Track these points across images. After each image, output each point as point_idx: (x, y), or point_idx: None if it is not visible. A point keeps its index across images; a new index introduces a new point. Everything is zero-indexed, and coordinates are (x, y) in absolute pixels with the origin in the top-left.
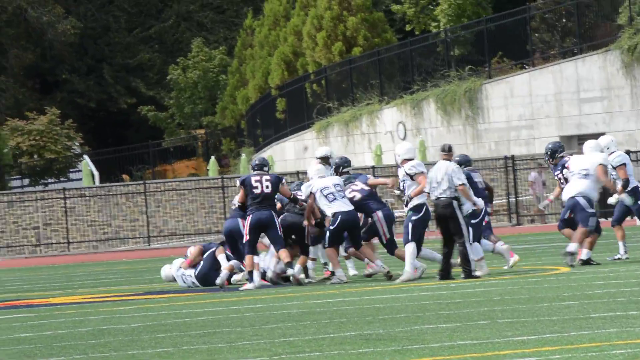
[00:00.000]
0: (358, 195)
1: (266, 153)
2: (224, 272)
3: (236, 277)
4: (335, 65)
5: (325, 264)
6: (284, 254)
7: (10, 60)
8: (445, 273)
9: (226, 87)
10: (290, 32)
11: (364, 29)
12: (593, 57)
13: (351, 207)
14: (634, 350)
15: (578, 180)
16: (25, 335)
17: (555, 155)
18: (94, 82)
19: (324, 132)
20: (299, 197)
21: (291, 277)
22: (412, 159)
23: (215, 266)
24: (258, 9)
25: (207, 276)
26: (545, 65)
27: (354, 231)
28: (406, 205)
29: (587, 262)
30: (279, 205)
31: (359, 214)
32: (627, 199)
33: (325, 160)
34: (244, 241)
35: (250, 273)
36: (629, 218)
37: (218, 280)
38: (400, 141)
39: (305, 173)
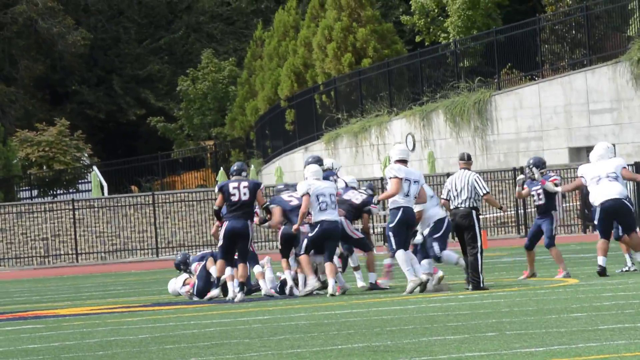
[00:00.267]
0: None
1: (275, 164)
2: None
3: (213, 293)
4: (344, 77)
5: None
6: (242, 270)
7: (20, 71)
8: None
9: (235, 99)
10: (301, 44)
11: (373, 41)
12: (603, 69)
13: (337, 218)
14: None
15: (609, 183)
16: (33, 346)
17: (538, 169)
18: (103, 93)
19: (333, 144)
20: (294, 198)
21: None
22: (405, 160)
23: (210, 278)
24: (268, 20)
25: (205, 290)
26: (555, 77)
27: (332, 243)
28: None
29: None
30: (278, 217)
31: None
32: None
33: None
34: (218, 245)
35: (219, 279)
36: None
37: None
38: (410, 153)
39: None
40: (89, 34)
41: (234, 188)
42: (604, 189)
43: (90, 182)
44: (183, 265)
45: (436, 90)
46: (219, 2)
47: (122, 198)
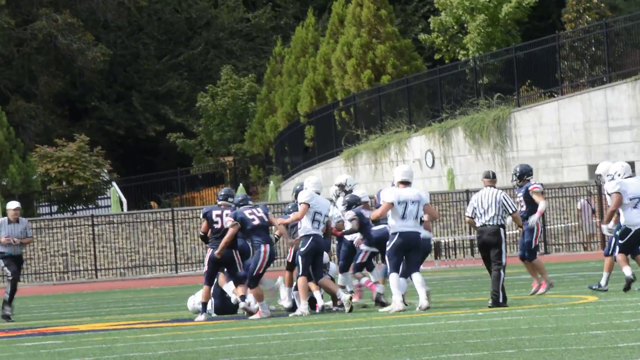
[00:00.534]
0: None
1: (294, 180)
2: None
3: (199, 318)
4: (364, 93)
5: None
6: (240, 289)
7: (40, 87)
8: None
9: (255, 115)
10: (320, 60)
11: (392, 57)
12: (622, 86)
13: (322, 234)
14: None
15: None
16: None
17: (524, 177)
18: (123, 109)
19: (352, 160)
20: (255, 217)
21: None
22: (408, 182)
23: (225, 295)
24: (287, 36)
25: (223, 307)
26: (574, 94)
27: (321, 258)
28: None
29: None
30: (280, 231)
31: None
32: (606, 229)
33: (341, 187)
34: (204, 271)
35: (204, 305)
36: None
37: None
38: (429, 169)
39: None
40: (108, 50)
41: (217, 216)
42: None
43: (110, 197)
44: None
45: (455, 106)
46: (239, 19)
47: (142, 214)
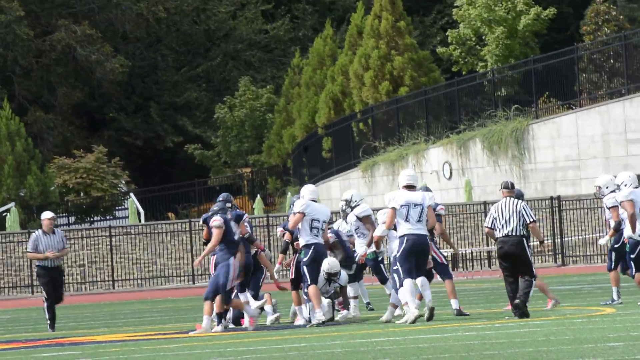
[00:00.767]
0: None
1: None
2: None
3: (217, 328)
4: (382, 105)
5: (369, 303)
6: (236, 302)
7: (58, 98)
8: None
9: (273, 126)
10: (338, 72)
11: (410, 69)
12: None
13: (323, 242)
14: None
15: None
16: None
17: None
18: (141, 121)
19: (370, 172)
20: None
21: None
22: (413, 186)
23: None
24: (306, 48)
25: (239, 317)
26: (593, 106)
27: (319, 266)
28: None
29: None
30: (288, 236)
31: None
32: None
33: (347, 203)
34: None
35: (220, 315)
36: None
37: (268, 322)
38: (446, 181)
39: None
40: (127, 62)
41: None
42: None
43: (127, 209)
44: None
45: (473, 118)
46: (257, 30)
47: (159, 225)
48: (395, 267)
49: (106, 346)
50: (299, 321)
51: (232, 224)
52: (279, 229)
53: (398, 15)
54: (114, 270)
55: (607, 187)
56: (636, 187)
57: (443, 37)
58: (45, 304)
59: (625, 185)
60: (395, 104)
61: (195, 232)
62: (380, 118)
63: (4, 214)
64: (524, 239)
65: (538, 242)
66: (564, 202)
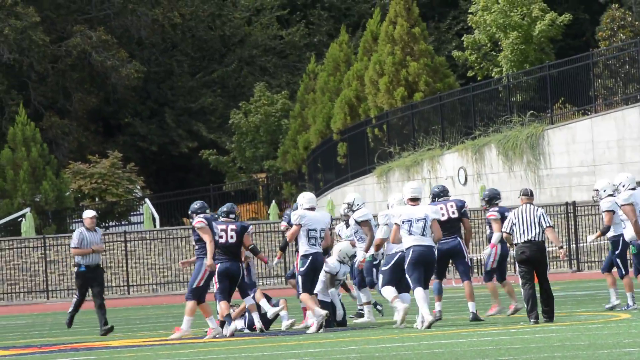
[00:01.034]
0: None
1: (327, 197)
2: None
3: (238, 325)
4: (397, 110)
5: (376, 303)
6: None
7: (74, 104)
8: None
9: (288, 131)
10: (353, 77)
11: (425, 74)
12: None
13: (321, 250)
14: None
15: None
16: None
17: (492, 202)
18: (156, 126)
19: (385, 177)
20: (224, 234)
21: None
22: (418, 199)
23: (260, 310)
24: (321, 53)
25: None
26: (608, 112)
27: (316, 275)
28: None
29: None
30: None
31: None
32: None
33: (349, 206)
34: (215, 288)
35: (229, 316)
36: None
37: (283, 327)
38: (461, 186)
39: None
40: (142, 67)
41: (222, 230)
42: None
43: (142, 214)
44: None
45: (488, 124)
46: (272, 36)
47: (174, 230)
48: (384, 268)
49: (121, 351)
50: (312, 328)
51: (214, 224)
52: (283, 224)
53: (413, 21)
54: (129, 275)
55: (604, 191)
56: (634, 189)
57: (458, 42)
58: (74, 300)
59: (624, 187)
60: (411, 109)
61: None
62: (395, 124)
63: (20, 220)
64: (544, 245)
65: (557, 248)
66: (579, 208)
